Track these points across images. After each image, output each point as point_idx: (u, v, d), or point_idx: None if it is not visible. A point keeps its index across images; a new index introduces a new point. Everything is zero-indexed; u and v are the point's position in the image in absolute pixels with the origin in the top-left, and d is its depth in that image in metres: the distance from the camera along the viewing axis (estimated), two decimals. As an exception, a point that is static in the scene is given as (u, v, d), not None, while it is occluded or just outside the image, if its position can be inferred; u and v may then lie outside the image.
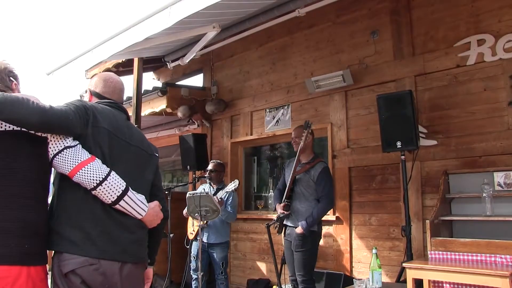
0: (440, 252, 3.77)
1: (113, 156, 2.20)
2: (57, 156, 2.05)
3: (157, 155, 2.52)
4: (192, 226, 5.69)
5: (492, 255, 3.50)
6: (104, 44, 4.44)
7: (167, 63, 6.39)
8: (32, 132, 2.02)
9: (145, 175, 2.38)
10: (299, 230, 4.39)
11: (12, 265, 1.89)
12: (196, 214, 4.85)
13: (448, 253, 3.72)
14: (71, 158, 2.04)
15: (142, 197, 2.24)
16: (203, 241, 5.26)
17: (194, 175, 6.52)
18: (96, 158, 2.09)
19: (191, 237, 5.66)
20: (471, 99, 4.56)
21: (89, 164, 2.04)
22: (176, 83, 7.75)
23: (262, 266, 6.27)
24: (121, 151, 2.26)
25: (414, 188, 4.78)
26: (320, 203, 4.49)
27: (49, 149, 2.06)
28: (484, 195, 3.91)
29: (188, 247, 5.73)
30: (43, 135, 2.05)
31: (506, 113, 4.32)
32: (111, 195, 2.08)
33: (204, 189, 5.62)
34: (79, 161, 2.04)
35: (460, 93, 4.64)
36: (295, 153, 4.67)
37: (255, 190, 7.03)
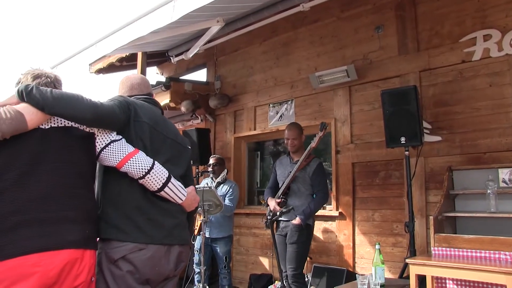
0: (444, 249, 3.75)
1: (153, 148, 2.36)
2: (104, 150, 2.21)
3: (189, 147, 2.71)
4: (196, 221, 5.69)
5: (496, 252, 3.48)
6: (107, 38, 4.44)
7: (171, 58, 6.37)
8: (81, 128, 2.19)
9: (179, 165, 2.53)
10: (296, 221, 4.43)
11: (79, 249, 2.06)
12: (199, 208, 4.85)
13: (452, 249, 3.71)
14: (118, 151, 2.21)
15: (180, 184, 2.40)
16: (206, 236, 5.26)
17: (197, 169, 6.52)
18: (140, 151, 2.26)
19: (196, 232, 5.67)
20: (476, 95, 4.53)
21: (135, 156, 2.21)
22: (180, 77, 7.74)
23: (265, 261, 6.27)
24: (159, 143, 2.42)
25: (418, 184, 4.76)
26: (316, 197, 4.58)
27: (96, 144, 2.23)
28: (488, 191, 3.89)
29: (193, 242, 5.74)
30: (90, 130, 2.22)
31: (511, 109, 4.29)
32: (157, 182, 2.25)
33: (207, 184, 5.64)
34: (126, 153, 2.21)
35: (465, 89, 4.61)
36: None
37: (258, 185, 7.02)
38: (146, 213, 2.27)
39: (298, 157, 4.66)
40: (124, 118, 2.27)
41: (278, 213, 4.58)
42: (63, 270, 1.98)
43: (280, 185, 4.75)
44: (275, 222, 4.71)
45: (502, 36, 4.38)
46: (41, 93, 2.03)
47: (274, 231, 4.76)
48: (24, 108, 2.02)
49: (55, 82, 2.31)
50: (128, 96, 2.56)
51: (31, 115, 2.01)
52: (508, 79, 4.33)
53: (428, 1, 4.99)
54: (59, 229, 2.02)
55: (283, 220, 4.62)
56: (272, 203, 4.64)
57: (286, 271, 4.58)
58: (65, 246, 2.01)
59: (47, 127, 2.10)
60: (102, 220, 2.25)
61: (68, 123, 2.15)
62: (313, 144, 4.50)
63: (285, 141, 4.81)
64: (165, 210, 2.35)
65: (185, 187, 2.46)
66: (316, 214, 4.72)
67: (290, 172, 4.60)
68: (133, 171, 2.20)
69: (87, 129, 2.21)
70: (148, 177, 2.22)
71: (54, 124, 2.12)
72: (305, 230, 4.49)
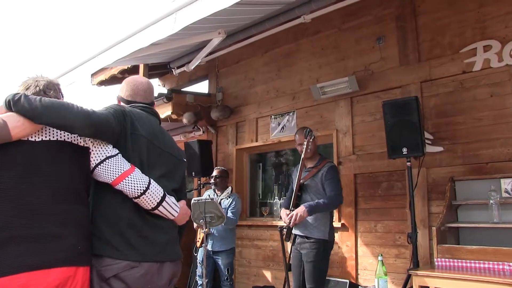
0: (447, 260, 3.74)
1: (149, 163, 2.31)
2: (99, 166, 2.16)
3: (185, 160, 2.64)
4: (198, 234, 5.68)
5: (500, 262, 3.46)
6: (109, 50, 4.45)
7: (173, 70, 6.40)
8: (75, 142, 2.12)
9: (174, 179, 2.49)
10: (300, 209, 4.12)
11: (71, 266, 1.99)
12: (201, 220, 4.83)
13: (455, 260, 3.69)
14: (114, 168, 2.15)
15: (173, 199, 2.36)
16: (208, 248, 5.24)
17: (199, 181, 6.52)
18: (136, 168, 2.20)
19: (198, 244, 5.66)
20: (477, 105, 4.53)
21: (131, 175, 2.16)
22: (182, 89, 7.77)
23: (267, 273, 6.23)
24: (156, 158, 2.37)
25: (420, 195, 4.75)
26: (328, 195, 4.28)
27: (91, 159, 2.17)
28: (491, 202, 3.88)
29: (196, 254, 5.73)
30: (85, 145, 2.15)
31: (513, 119, 4.29)
32: (152, 202, 2.21)
33: (209, 195, 5.63)
34: (122, 171, 2.15)
35: (466, 99, 4.61)
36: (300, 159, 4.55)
37: (260, 197, 7.00)
38: (139, 230, 2.23)
39: (311, 163, 4.48)
40: (118, 128, 2.20)
41: (284, 226, 4.43)
42: None
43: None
44: (287, 234, 4.49)
45: (502, 47, 4.39)
46: (29, 102, 1.95)
47: (283, 243, 4.53)
48: (9, 116, 1.93)
49: (45, 90, 2.21)
50: (130, 100, 2.51)
51: (15, 124, 1.92)
52: (509, 89, 4.34)
53: (428, 12, 5.02)
54: (50, 246, 1.93)
55: (299, 236, 4.42)
56: (283, 215, 4.43)
57: (295, 287, 4.42)
58: (56, 264, 1.93)
59: (37, 139, 2.02)
60: (94, 235, 2.18)
61: (60, 137, 2.08)
62: (304, 153, 4.33)
63: (298, 148, 4.54)
64: (157, 226, 2.31)
65: (178, 201, 2.42)
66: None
67: (300, 180, 4.42)
68: (128, 191, 2.15)
69: (82, 143, 2.15)
70: (143, 197, 2.17)
71: (46, 137, 2.05)
72: (322, 247, 4.28)
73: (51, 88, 2.26)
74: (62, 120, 1.99)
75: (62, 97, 2.32)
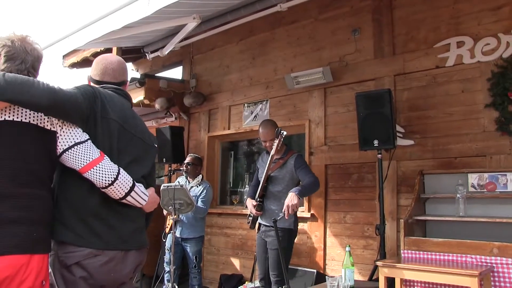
0: (413, 252, 3.79)
1: (120, 148, 2.25)
2: (67, 152, 2.07)
3: (156, 146, 2.58)
4: (168, 220, 5.64)
5: (463, 255, 3.54)
6: (81, 31, 4.37)
7: (146, 54, 6.31)
8: (41, 125, 2.02)
9: (144, 165, 2.42)
10: (290, 197, 3.97)
11: (23, 254, 1.90)
12: (170, 207, 4.79)
13: (421, 252, 3.75)
14: (83, 155, 2.07)
15: (142, 187, 2.30)
16: (176, 235, 5.21)
17: (169, 168, 6.46)
18: (105, 156, 2.13)
19: (167, 230, 5.61)
20: (449, 100, 4.58)
21: (100, 164, 2.08)
22: (155, 74, 7.66)
23: (236, 261, 6.24)
24: (126, 143, 2.30)
25: (390, 187, 4.80)
26: (308, 180, 4.21)
27: (58, 144, 2.07)
28: (458, 196, 3.94)
29: (164, 240, 5.68)
30: (52, 128, 2.05)
31: (482, 115, 4.35)
32: (120, 193, 2.15)
33: (179, 182, 5.58)
34: (90, 160, 2.07)
35: (438, 94, 4.66)
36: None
37: (231, 185, 6.98)
38: (105, 218, 2.16)
39: (279, 155, 4.41)
40: (88, 109, 2.11)
41: (250, 217, 4.49)
42: (4, 278, 1.82)
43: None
44: (252, 222, 4.52)
45: (474, 44, 4.44)
46: None
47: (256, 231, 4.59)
48: None
49: (29, 69, 2.08)
50: (98, 80, 2.41)
51: None
52: (479, 86, 4.40)
53: (404, 6, 5.04)
54: (2, 231, 1.84)
55: (263, 224, 4.44)
56: (249, 205, 4.46)
57: (261, 274, 4.47)
58: (7, 252, 1.84)
59: (0, 119, 1.92)
60: (58, 221, 2.10)
61: (25, 118, 1.97)
62: (273, 151, 4.26)
63: (263, 144, 4.52)
64: (124, 215, 2.25)
65: (147, 187, 2.36)
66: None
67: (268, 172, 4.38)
68: (95, 180, 2.07)
69: (48, 127, 2.04)
70: (111, 188, 2.10)
71: (9, 117, 1.93)
72: (287, 235, 4.27)
73: (36, 68, 2.12)
74: (27, 96, 1.88)
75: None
